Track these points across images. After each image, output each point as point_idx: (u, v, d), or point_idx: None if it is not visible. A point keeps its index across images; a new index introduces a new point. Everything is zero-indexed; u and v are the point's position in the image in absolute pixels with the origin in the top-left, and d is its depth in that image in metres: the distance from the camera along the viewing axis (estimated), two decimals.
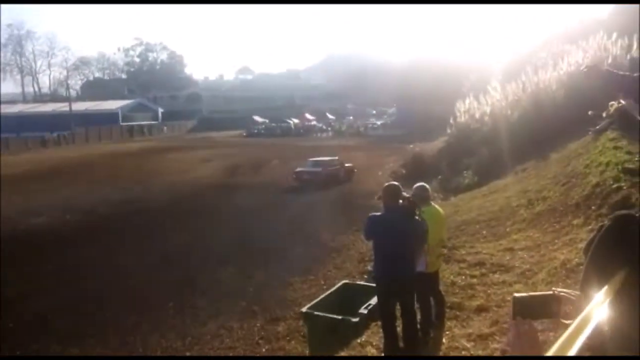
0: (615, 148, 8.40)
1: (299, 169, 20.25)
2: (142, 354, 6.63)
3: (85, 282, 9.16)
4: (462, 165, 16.58)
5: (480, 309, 5.47)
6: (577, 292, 1.29)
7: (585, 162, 8.98)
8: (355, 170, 21.42)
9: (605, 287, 1.18)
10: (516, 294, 1.33)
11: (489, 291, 5.94)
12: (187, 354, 6.61)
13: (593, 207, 7.05)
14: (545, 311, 1.30)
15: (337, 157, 21.71)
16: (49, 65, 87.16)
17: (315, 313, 5.62)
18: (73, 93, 78.19)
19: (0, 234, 12.07)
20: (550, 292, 1.30)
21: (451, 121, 21.05)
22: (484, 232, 8.78)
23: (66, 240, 12.22)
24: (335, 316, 5.48)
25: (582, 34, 17.55)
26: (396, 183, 4.98)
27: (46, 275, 9.56)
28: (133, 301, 8.23)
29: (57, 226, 13.75)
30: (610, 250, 1.26)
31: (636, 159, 7.44)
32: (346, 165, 21.02)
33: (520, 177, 12.12)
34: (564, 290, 1.29)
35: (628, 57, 13.33)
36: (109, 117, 59.06)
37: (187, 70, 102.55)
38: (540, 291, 4.85)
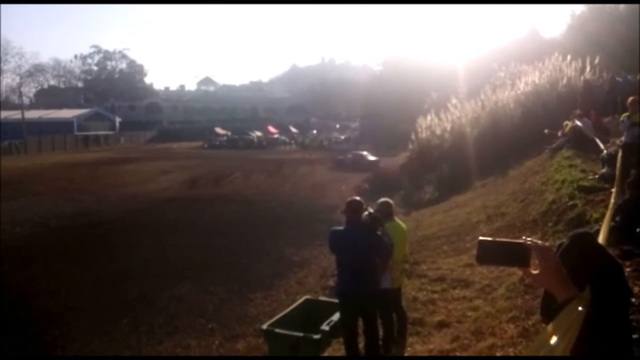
0: (570, 166, 8.70)
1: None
2: None
3: (32, 300, 8.68)
4: (424, 180, 16.83)
5: (442, 325, 5.48)
6: (547, 244, 1.23)
7: (542, 179, 9.25)
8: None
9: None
10: (482, 237, 1.24)
11: (449, 307, 5.97)
12: None
13: (550, 224, 7.23)
14: (513, 259, 1.22)
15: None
16: (1, 72, 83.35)
17: (276, 330, 5.48)
18: (26, 101, 75.05)
19: None
20: (520, 241, 1.21)
21: (413, 137, 21.40)
22: (445, 247, 8.87)
23: (12, 255, 11.53)
24: (296, 333, 5.36)
25: (537, 54, 18.30)
26: (358, 198, 4.96)
27: None
28: (84, 319, 7.83)
29: (5, 240, 12.98)
30: (570, 268, 1.23)
31: (590, 177, 7.70)
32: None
33: (480, 193, 12.39)
34: (535, 240, 1.22)
35: (582, 78, 14.01)
36: (64, 126, 56.81)
37: (147, 80, 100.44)
38: (500, 306, 4.83)
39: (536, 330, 4.49)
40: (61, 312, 8.14)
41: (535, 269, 1.22)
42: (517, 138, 13.83)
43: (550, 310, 1.23)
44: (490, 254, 1.24)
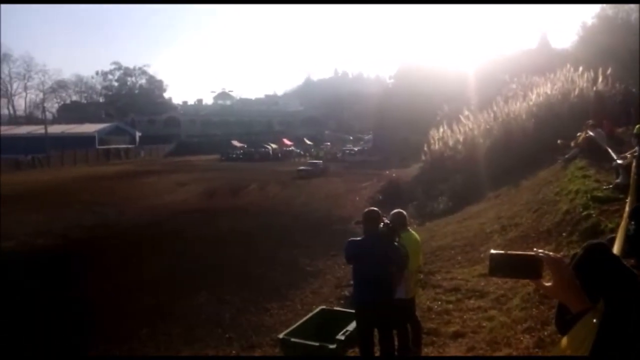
0: (584, 176, 8.70)
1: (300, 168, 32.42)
2: None
3: (51, 308, 8.86)
4: (437, 191, 16.84)
5: (457, 335, 5.52)
6: (559, 256, 1.26)
7: (556, 189, 9.25)
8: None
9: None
10: (493, 251, 1.28)
11: (464, 317, 6.00)
12: None
13: (564, 234, 7.23)
14: (525, 271, 1.24)
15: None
16: (25, 88, 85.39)
17: (293, 340, 5.57)
18: (49, 116, 76.66)
19: None
20: (532, 253, 1.23)
21: (426, 148, 21.45)
22: (459, 257, 8.89)
23: (35, 266, 11.84)
24: (312, 343, 5.42)
25: (548, 65, 18.30)
26: (376, 209, 5.01)
27: (8, 304, 9.16)
28: (104, 328, 8.00)
29: (28, 251, 13.34)
30: (584, 280, 1.25)
31: (604, 187, 7.70)
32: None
33: (493, 204, 12.38)
34: (547, 252, 1.24)
35: (594, 89, 13.98)
36: (86, 141, 58.00)
37: (166, 95, 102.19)
38: (515, 317, 4.90)
39: (552, 341, 4.53)
40: (80, 320, 8.28)
41: (547, 281, 1.24)
42: (529, 149, 13.82)
43: (564, 321, 1.24)
44: (502, 267, 1.26)
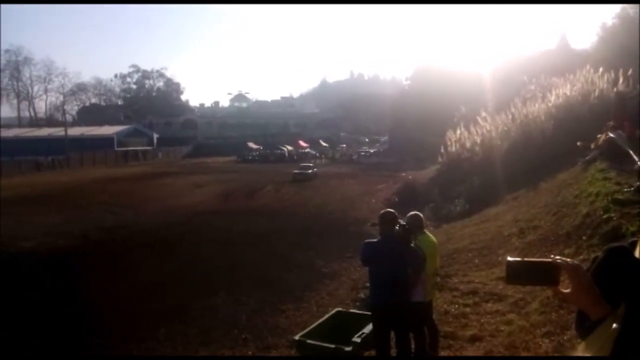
0: (605, 179, 8.54)
1: (295, 171, 32.72)
2: None
3: (71, 308, 9.00)
4: (454, 193, 16.71)
5: (474, 338, 5.47)
6: (577, 262, 1.24)
7: (575, 192, 9.10)
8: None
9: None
10: (510, 258, 1.27)
11: (482, 320, 5.95)
12: None
13: (584, 237, 7.11)
14: (542, 278, 1.23)
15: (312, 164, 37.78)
16: (46, 91, 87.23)
17: (308, 341, 5.56)
18: (69, 118, 78.27)
19: None
20: (549, 260, 1.22)
21: (442, 150, 21.32)
22: (477, 260, 8.80)
23: (55, 266, 12.06)
24: (328, 345, 5.41)
25: (568, 66, 18.04)
26: (392, 210, 4.99)
27: (30, 303, 9.34)
28: (122, 328, 8.11)
29: (47, 251, 13.59)
30: (605, 283, 1.23)
31: (625, 189, 7.56)
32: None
33: (512, 206, 12.23)
34: (564, 259, 1.23)
35: (614, 90, 13.72)
36: (105, 142, 58.98)
37: (183, 97, 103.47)
38: (534, 321, 4.84)
39: (572, 346, 4.46)
40: (99, 320, 8.40)
41: (565, 287, 1.23)
42: (548, 151, 13.62)
43: (584, 328, 1.22)
44: (519, 274, 1.25)
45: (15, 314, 8.68)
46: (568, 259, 1.24)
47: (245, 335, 7.66)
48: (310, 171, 33.52)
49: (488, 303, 6.46)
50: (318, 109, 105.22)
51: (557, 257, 1.23)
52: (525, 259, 1.26)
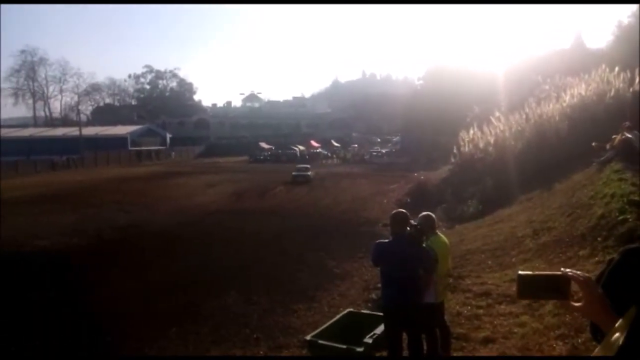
0: (620, 180, 8.43)
1: (294, 173, 31.62)
2: None
3: (84, 307, 9.07)
4: (467, 194, 16.59)
5: (487, 341, 5.43)
6: (588, 275, 1.24)
7: (590, 193, 8.99)
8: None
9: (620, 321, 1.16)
10: (521, 272, 1.28)
11: (495, 322, 5.90)
12: None
13: (599, 239, 7.03)
14: (553, 291, 1.24)
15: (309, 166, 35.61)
16: (61, 91, 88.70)
17: (320, 342, 5.56)
18: (83, 118, 79.27)
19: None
20: (559, 273, 1.23)
21: (455, 150, 21.18)
22: (490, 261, 8.74)
23: (69, 264, 12.20)
24: (339, 345, 5.42)
25: (583, 66, 17.81)
26: (404, 210, 4.97)
27: (45, 301, 9.42)
28: (135, 326, 8.17)
29: (62, 249, 13.77)
30: (620, 286, 1.23)
31: None
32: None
33: (525, 207, 12.11)
34: (575, 271, 1.23)
35: (631, 90, 13.51)
36: (118, 142, 59.76)
37: (196, 97, 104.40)
38: (548, 323, 4.80)
39: (586, 349, 4.42)
40: (111, 319, 8.46)
41: (576, 301, 1.24)
42: (563, 151, 13.47)
43: (597, 340, 1.23)
44: (530, 289, 1.26)
45: (27, 313, 8.77)
46: (579, 272, 1.24)
47: (256, 334, 7.66)
48: (309, 172, 32.24)
49: (501, 305, 6.41)
50: (330, 109, 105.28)
51: (568, 270, 1.24)
52: (536, 272, 1.27)
